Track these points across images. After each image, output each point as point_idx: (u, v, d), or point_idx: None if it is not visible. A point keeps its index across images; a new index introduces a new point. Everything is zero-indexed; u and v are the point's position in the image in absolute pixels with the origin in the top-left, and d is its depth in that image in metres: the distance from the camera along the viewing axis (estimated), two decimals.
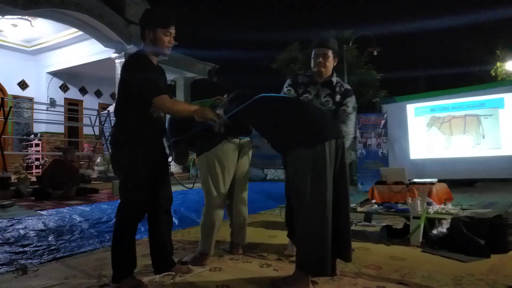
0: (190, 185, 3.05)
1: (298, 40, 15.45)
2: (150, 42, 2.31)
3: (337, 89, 2.82)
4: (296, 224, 2.20)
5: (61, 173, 6.02)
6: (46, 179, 5.98)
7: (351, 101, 2.83)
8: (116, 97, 2.38)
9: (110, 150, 2.47)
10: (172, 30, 2.35)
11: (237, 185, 2.90)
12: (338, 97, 2.82)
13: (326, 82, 2.84)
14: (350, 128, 2.79)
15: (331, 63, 2.81)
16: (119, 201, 2.35)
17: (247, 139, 2.84)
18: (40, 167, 9.44)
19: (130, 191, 2.28)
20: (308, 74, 2.90)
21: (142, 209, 2.33)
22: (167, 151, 2.71)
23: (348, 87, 2.88)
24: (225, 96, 2.61)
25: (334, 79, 2.85)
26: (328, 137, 2.16)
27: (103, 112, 10.51)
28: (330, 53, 2.78)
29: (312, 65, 2.84)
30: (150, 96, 2.21)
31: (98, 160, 8.84)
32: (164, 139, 2.55)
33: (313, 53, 2.84)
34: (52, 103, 10.57)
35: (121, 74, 2.34)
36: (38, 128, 10.60)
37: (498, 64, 14.96)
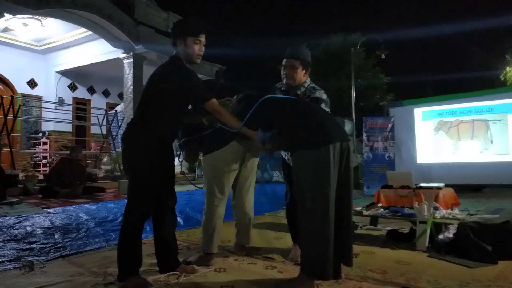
0: (202, 185, 3.05)
1: (306, 43, 15.48)
2: (182, 50, 2.38)
3: None
4: (299, 226, 2.20)
5: (68, 171, 6.08)
6: (53, 177, 6.04)
7: None
8: (143, 96, 2.38)
9: (121, 146, 2.48)
10: (202, 38, 2.40)
11: (244, 186, 2.90)
12: None
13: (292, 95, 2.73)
14: None
15: (299, 74, 2.70)
16: (125, 200, 2.37)
17: None
18: (48, 165, 9.54)
19: (140, 190, 2.30)
20: (283, 89, 2.82)
21: (149, 209, 2.35)
22: (177, 150, 2.72)
23: (316, 95, 2.67)
24: (235, 97, 2.62)
25: (300, 91, 2.72)
26: (333, 140, 2.15)
27: (110, 111, 10.59)
28: (297, 64, 2.68)
29: (282, 76, 2.78)
30: (203, 100, 2.32)
31: (105, 159, 8.90)
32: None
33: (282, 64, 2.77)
34: (61, 102, 10.68)
35: (159, 77, 2.36)
36: (46, 126, 10.72)
37: (508, 69, 14.84)
